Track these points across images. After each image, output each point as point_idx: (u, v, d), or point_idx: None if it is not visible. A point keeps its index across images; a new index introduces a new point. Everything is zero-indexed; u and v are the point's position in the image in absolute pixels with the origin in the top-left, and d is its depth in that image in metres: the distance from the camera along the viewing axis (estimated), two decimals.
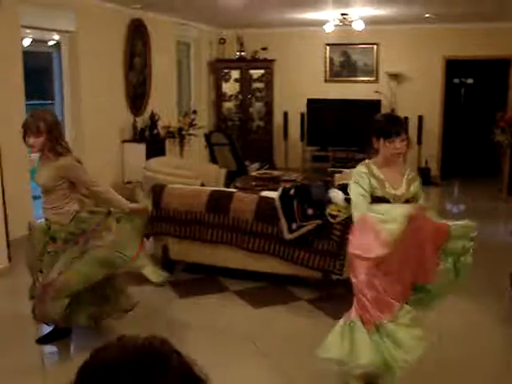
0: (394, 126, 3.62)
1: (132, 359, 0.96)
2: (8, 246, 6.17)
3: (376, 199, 3.58)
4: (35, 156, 4.44)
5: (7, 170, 6.26)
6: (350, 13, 9.31)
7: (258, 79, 12.17)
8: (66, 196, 4.22)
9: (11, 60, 6.62)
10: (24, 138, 4.15)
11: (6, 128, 6.37)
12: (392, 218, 3.47)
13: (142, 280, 5.73)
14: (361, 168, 3.66)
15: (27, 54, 7.29)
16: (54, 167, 4.14)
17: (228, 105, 12.35)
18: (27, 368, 4.10)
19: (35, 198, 7.71)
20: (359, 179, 3.60)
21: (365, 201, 3.55)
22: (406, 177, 3.67)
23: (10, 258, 6.14)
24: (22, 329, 4.71)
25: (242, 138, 11.76)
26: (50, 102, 8.59)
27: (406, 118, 10.91)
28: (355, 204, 3.62)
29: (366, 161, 3.70)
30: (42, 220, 4.39)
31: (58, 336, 4.48)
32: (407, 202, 3.63)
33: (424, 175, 10.83)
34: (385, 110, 11.18)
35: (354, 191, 3.62)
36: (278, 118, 12.05)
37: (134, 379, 0.93)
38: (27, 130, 4.10)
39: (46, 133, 4.08)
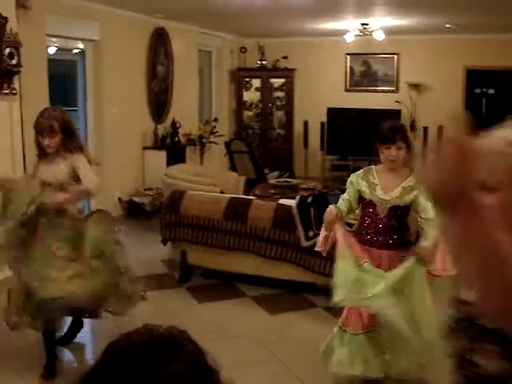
0: (390, 133, 3.74)
1: (150, 341, 1.05)
2: None
3: (365, 201, 3.82)
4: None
5: (30, 170, 6.40)
6: (371, 23, 9.37)
7: (279, 88, 12.25)
8: None
9: (37, 67, 6.76)
10: (37, 139, 4.04)
11: (32, 134, 6.51)
12: None
13: (161, 285, 5.87)
14: (357, 172, 3.93)
15: (51, 62, 7.44)
16: (70, 164, 4.02)
17: (249, 113, 12.45)
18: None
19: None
20: (349, 183, 3.90)
21: (342, 203, 3.86)
22: (403, 184, 3.76)
23: None
24: None
25: (263, 146, 11.85)
26: (73, 108, 8.74)
27: (426, 128, 10.95)
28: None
29: (372, 166, 3.90)
30: None
31: (75, 331, 4.54)
32: (396, 207, 3.75)
33: None
34: (405, 119, 11.20)
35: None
36: (298, 127, 12.11)
37: (148, 357, 1.01)
38: (41, 131, 3.97)
39: (61, 131, 3.97)
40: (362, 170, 3.90)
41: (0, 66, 5.41)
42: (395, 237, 3.76)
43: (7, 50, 5.45)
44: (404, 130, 3.90)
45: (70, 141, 4.04)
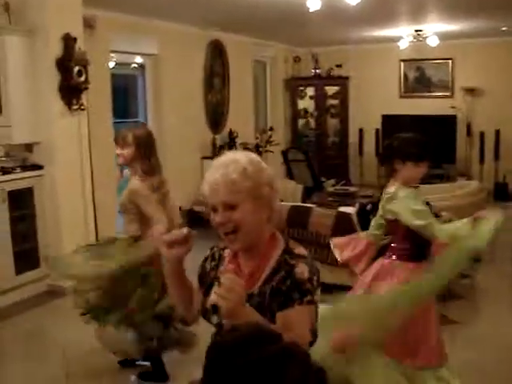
0: (423, 150, 3.61)
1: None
2: None
3: None
4: (126, 172, 4.20)
5: (97, 183, 6.67)
6: (424, 29, 9.39)
7: (333, 96, 12.33)
8: (135, 221, 4.00)
9: (101, 83, 7.05)
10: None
11: (96, 143, 6.79)
12: None
13: None
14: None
15: (112, 76, 7.73)
16: (128, 188, 3.97)
17: (303, 121, 12.56)
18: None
19: (120, 211, 8.14)
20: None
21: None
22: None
23: None
24: None
25: (318, 154, 11.93)
26: (133, 120, 9.04)
27: (483, 133, 10.87)
28: None
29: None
30: None
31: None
32: None
33: (501, 191, 10.73)
34: (461, 124, 11.16)
35: None
36: (352, 135, 12.17)
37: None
38: (115, 140, 4.06)
39: (134, 146, 3.91)
40: None
41: (70, 83, 5.68)
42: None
43: (76, 68, 5.71)
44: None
45: (143, 160, 4.00)
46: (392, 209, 3.46)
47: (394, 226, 3.54)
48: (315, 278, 1.93)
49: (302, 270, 1.92)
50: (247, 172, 1.93)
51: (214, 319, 1.98)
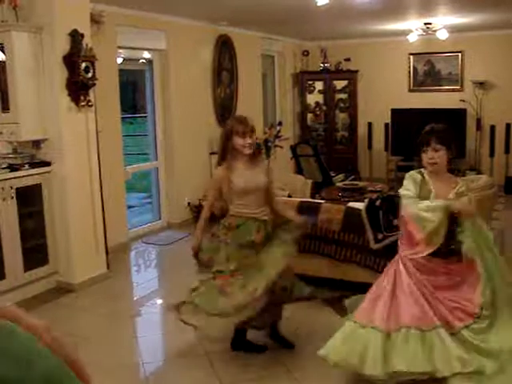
0: (425, 136, 3.68)
1: None
2: (107, 253, 6.54)
3: None
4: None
5: (105, 180, 6.66)
6: (434, 22, 9.32)
7: (342, 90, 12.27)
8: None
9: (109, 78, 7.03)
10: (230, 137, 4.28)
11: (105, 140, 6.79)
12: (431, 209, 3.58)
13: None
14: (414, 174, 3.77)
15: (119, 71, 7.71)
16: (265, 169, 4.42)
17: (312, 116, 12.51)
18: (128, 363, 4.43)
19: (129, 207, 8.17)
20: (408, 184, 3.73)
21: (415, 201, 3.64)
22: (456, 190, 3.70)
23: (108, 265, 6.50)
24: (121, 328, 5.07)
25: (327, 148, 11.89)
26: (142, 115, 9.03)
27: (493, 127, 10.77)
28: (404, 205, 3.74)
29: (422, 169, 3.78)
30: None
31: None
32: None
33: None
34: (470, 118, 11.08)
35: (404, 194, 3.73)
36: (361, 129, 12.11)
37: None
38: (246, 130, 4.27)
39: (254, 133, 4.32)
40: (417, 173, 3.77)
41: (77, 79, 5.66)
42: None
43: (83, 65, 5.69)
44: (440, 132, 3.72)
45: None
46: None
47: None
48: None
49: None
50: None
51: None
